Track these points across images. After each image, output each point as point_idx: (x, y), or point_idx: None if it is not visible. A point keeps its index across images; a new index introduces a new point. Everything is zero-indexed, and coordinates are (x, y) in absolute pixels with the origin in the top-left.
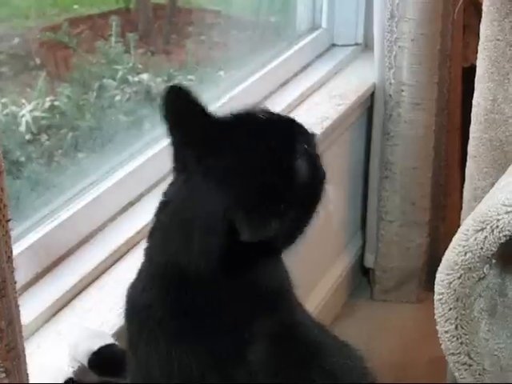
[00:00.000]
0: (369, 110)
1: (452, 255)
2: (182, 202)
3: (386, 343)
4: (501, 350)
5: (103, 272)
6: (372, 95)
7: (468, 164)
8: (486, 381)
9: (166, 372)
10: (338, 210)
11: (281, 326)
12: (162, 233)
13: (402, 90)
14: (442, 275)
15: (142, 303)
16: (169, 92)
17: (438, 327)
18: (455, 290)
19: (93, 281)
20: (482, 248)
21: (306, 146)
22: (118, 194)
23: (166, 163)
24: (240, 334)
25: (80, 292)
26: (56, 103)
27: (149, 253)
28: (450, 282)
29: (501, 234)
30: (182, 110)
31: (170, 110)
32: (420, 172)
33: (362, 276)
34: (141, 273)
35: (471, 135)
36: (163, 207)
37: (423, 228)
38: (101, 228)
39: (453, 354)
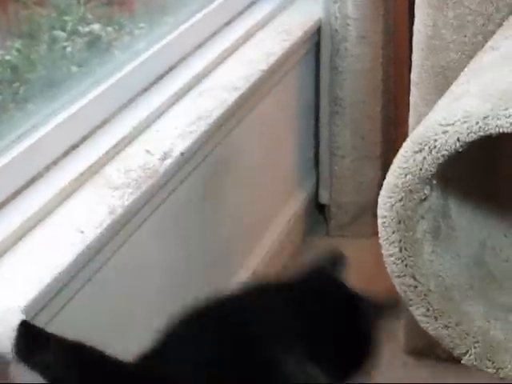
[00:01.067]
0: (316, 46)
1: (392, 178)
2: None
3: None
4: (445, 271)
5: (46, 215)
6: (318, 30)
7: (412, 92)
8: (432, 301)
9: None
10: (290, 147)
11: None
12: None
13: (348, 24)
14: (383, 198)
15: None
16: None
17: (382, 251)
18: (397, 213)
19: (34, 226)
20: (421, 169)
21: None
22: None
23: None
24: None
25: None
26: (7, 57)
27: None
28: (392, 205)
29: (439, 154)
30: None
31: None
32: (369, 105)
33: (317, 213)
34: None
35: (414, 63)
36: None
37: (375, 162)
38: (44, 171)
39: (398, 276)
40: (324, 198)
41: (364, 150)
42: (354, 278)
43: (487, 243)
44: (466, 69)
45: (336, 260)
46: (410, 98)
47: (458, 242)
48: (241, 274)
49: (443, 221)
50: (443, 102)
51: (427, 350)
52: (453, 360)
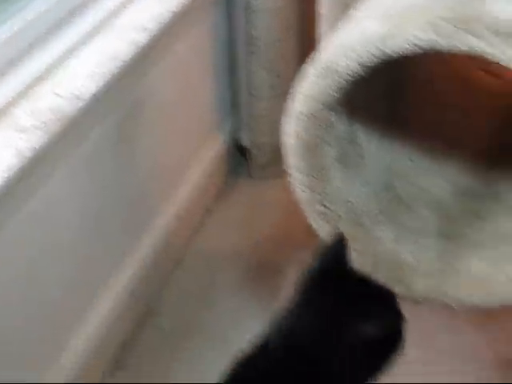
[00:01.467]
0: None
1: (297, 105)
2: None
3: (266, 218)
4: (354, 197)
5: None
6: None
7: (320, 24)
8: (342, 227)
9: None
10: (207, 89)
11: None
12: None
13: None
14: (288, 126)
15: None
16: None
17: (291, 179)
18: (303, 140)
19: None
20: (324, 94)
21: None
22: None
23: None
24: None
25: None
26: None
27: None
28: (298, 133)
29: (341, 79)
30: None
31: None
32: (284, 44)
33: (239, 154)
34: None
35: None
36: None
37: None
38: None
39: (308, 204)
40: (244, 139)
41: (279, 89)
42: (276, 217)
43: (394, 168)
44: None
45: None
46: (318, 30)
47: (367, 169)
48: (161, 217)
49: (351, 148)
50: (344, 26)
51: None
52: None
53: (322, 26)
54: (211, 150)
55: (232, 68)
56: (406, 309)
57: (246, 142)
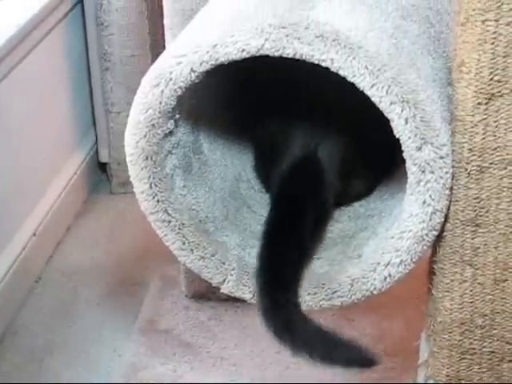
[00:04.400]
0: (81, 1)
1: (135, 114)
2: None
3: (128, 233)
4: (198, 205)
5: None
6: None
7: (166, 37)
8: (186, 234)
9: None
10: (65, 107)
11: None
12: None
13: None
14: (129, 136)
15: None
16: None
17: (134, 189)
18: (143, 149)
19: None
20: (160, 103)
21: None
22: None
23: None
24: None
25: None
26: None
27: None
28: (137, 142)
29: (176, 86)
30: None
31: None
32: (139, 59)
33: (100, 172)
34: None
35: (165, 7)
36: None
37: None
38: None
39: (151, 213)
40: (103, 156)
41: None
42: (138, 231)
43: (242, 176)
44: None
45: None
46: (166, 43)
47: (212, 177)
48: (20, 234)
49: (195, 156)
50: (180, 35)
51: (208, 292)
52: (233, 299)
53: (168, 38)
54: (71, 167)
55: (89, 84)
56: None
57: (105, 158)
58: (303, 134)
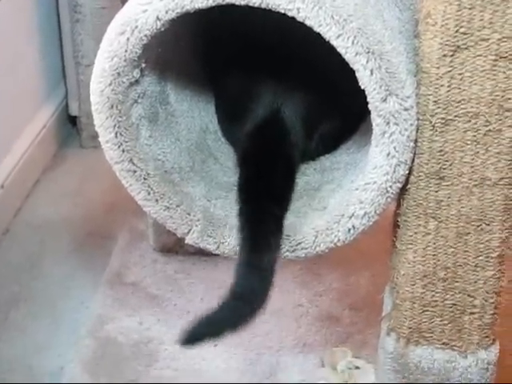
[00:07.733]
0: None
1: (100, 62)
2: None
3: (97, 187)
4: (164, 155)
5: None
6: None
7: None
8: (152, 184)
9: None
10: (34, 59)
11: None
12: None
13: None
14: (93, 84)
15: None
16: None
17: (99, 138)
18: (108, 98)
19: None
20: (126, 51)
21: None
22: None
23: None
24: None
25: None
26: None
27: None
28: (102, 90)
29: (141, 35)
30: None
31: None
32: (110, 11)
33: (70, 125)
34: None
35: None
36: None
37: None
38: None
39: (117, 162)
40: (73, 109)
41: None
42: (107, 185)
43: (209, 128)
44: None
45: None
46: None
47: (178, 127)
48: None
49: (161, 106)
50: None
51: (176, 246)
52: (201, 253)
53: None
54: (40, 120)
55: (59, 36)
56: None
57: (75, 111)
58: (267, 93)
